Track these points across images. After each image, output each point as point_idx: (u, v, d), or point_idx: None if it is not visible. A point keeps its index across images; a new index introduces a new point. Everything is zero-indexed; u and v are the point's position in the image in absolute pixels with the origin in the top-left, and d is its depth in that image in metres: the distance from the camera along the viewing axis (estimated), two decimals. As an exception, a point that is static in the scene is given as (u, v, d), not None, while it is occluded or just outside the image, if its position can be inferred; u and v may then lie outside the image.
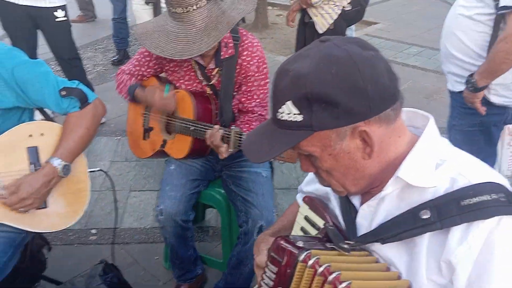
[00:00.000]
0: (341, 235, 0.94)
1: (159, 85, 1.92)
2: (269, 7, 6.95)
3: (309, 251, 0.85)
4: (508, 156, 2.07)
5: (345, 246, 0.89)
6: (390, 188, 0.88)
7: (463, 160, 0.88)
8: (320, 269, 0.82)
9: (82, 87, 1.64)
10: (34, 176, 1.53)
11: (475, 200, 0.79)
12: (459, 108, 2.09)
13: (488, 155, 2.05)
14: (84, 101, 1.62)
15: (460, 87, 2.01)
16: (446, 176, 0.84)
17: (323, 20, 3.19)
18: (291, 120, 0.83)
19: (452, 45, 2.02)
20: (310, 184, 1.18)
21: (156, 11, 3.23)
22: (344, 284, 0.78)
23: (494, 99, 1.95)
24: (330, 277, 0.80)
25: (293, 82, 0.82)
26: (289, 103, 0.82)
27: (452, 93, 2.14)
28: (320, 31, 3.21)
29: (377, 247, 0.92)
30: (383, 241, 0.88)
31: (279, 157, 1.54)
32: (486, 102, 1.96)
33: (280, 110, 0.84)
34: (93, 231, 2.61)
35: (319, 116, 0.80)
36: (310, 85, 0.79)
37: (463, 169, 0.84)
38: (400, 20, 7.06)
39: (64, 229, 2.42)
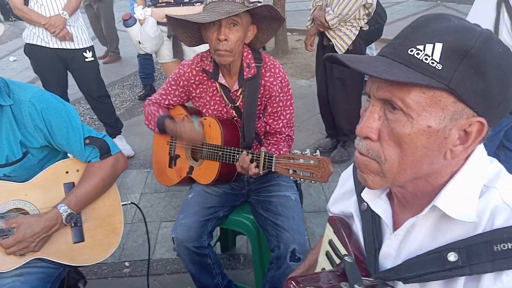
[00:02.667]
0: (359, 271, 0.86)
1: (187, 116, 1.96)
2: (288, 33, 7.05)
3: None
4: None
5: None
6: (423, 217, 0.80)
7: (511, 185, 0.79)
8: None
9: (107, 139, 1.68)
10: (37, 218, 1.53)
11: (510, 245, 0.71)
12: None
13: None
14: (104, 152, 1.65)
15: None
16: (490, 205, 0.75)
17: (341, 41, 3.21)
18: (427, 63, 0.70)
19: None
20: (336, 204, 1.11)
21: (177, 45, 3.32)
22: None
23: None
24: None
25: (457, 29, 0.71)
26: (438, 45, 0.70)
27: None
28: (340, 53, 3.23)
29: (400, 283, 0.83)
30: (405, 280, 0.80)
31: (310, 177, 1.55)
32: None
33: (418, 47, 0.71)
34: (127, 263, 2.63)
35: (460, 79, 0.69)
36: (478, 43, 0.69)
37: (509, 197, 0.75)
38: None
39: (98, 263, 2.47)
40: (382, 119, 0.76)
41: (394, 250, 0.86)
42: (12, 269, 1.53)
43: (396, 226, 0.87)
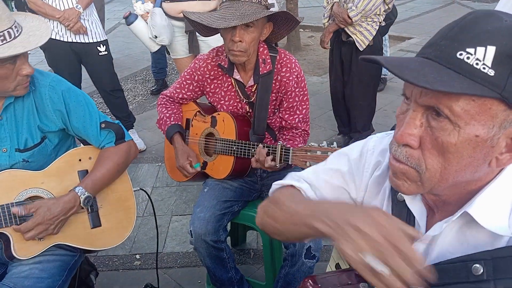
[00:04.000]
0: None
1: (193, 158, 1.97)
2: (301, 30, 7.02)
3: None
4: None
5: None
6: (452, 221, 0.77)
7: None
8: None
9: (122, 126, 1.72)
10: (55, 201, 1.55)
11: None
12: None
13: None
14: (120, 138, 1.69)
15: None
16: None
17: (362, 37, 3.19)
18: (478, 68, 0.65)
19: None
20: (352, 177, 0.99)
21: (193, 40, 3.32)
22: None
23: None
24: None
25: (511, 30, 0.66)
26: (491, 49, 0.64)
27: None
28: (361, 48, 3.21)
29: None
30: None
31: None
32: None
33: (468, 50, 0.66)
34: (137, 256, 2.65)
35: None
36: None
37: None
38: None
39: (109, 255, 2.49)
40: (424, 126, 0.71)
41: (422, 251, 0.82)
42: (33, 256, 1.56)
43: (426, 229, 0.85)
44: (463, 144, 0.68)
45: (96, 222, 1.68)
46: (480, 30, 0.66)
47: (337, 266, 1.05)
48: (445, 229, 0.78)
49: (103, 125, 1.66)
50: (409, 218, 0.86)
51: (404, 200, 0.86)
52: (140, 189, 1.94)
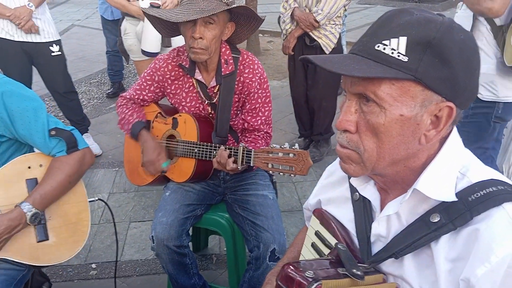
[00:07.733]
0: (353, 256, 0.88)
1: (162, 157, 1.89)
2: (260, 35, 7.05)
3: (319, 282, 0.79)
4: None
5: (359, 273, 0.82)
6: (406, 201, 0.84)
7: (479, 168, 0.84)
8: None
9: (76, 133, 1.60)
10: None
11: (482, 192, 0.77)
12: None
13: (478, 146, 2.21)
14: (71, 146, 1.57)
15: None
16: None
17: (327, 40, 3.22)
18: (393, 56, 0.74)
19: None
20: (325, 192, 1.11)
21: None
22: None
23: (484, 93, 2.10)
24: None
25: (420, 22, 0.74)
26: (403, 39, 0.73)
27: None
28: (327, 52, 3.23)
29: (394, 266, 0.86)
30: (397, 255, 0.84)
31: (289, 171, 1.53)
32: (476, 99, 2.13)
33: (384, 42, 0.75)
34: (93, 265, 2.54)
35: (427, 68, 0.73)
36: (440, 33, 0.73)
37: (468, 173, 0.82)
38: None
39: (63, 265, 2.37)
40: (359, 112, 0.80)
41: (384, 229, 0.89)
42: None
43: (380, 209, 0.92)
44: (390, 123, 0.77)
45: (42, 236, 1.56)
46: (393, 24, 0.76)
47: (313, 244, 1.05)
48: (401, 208, 0.85)
49: (53, 133, 1.53)
50: (366, 211, 0.94)
51: (359, 199, 0.95)
52: (99, 199, 1.84)
